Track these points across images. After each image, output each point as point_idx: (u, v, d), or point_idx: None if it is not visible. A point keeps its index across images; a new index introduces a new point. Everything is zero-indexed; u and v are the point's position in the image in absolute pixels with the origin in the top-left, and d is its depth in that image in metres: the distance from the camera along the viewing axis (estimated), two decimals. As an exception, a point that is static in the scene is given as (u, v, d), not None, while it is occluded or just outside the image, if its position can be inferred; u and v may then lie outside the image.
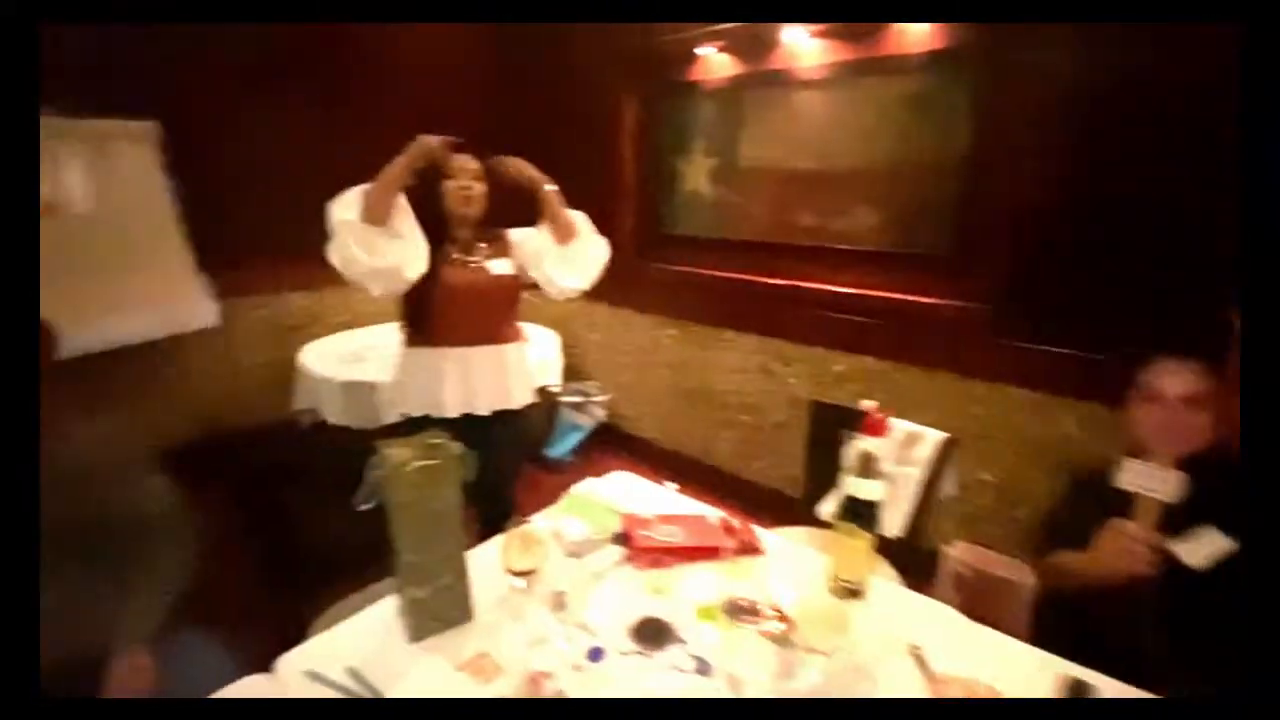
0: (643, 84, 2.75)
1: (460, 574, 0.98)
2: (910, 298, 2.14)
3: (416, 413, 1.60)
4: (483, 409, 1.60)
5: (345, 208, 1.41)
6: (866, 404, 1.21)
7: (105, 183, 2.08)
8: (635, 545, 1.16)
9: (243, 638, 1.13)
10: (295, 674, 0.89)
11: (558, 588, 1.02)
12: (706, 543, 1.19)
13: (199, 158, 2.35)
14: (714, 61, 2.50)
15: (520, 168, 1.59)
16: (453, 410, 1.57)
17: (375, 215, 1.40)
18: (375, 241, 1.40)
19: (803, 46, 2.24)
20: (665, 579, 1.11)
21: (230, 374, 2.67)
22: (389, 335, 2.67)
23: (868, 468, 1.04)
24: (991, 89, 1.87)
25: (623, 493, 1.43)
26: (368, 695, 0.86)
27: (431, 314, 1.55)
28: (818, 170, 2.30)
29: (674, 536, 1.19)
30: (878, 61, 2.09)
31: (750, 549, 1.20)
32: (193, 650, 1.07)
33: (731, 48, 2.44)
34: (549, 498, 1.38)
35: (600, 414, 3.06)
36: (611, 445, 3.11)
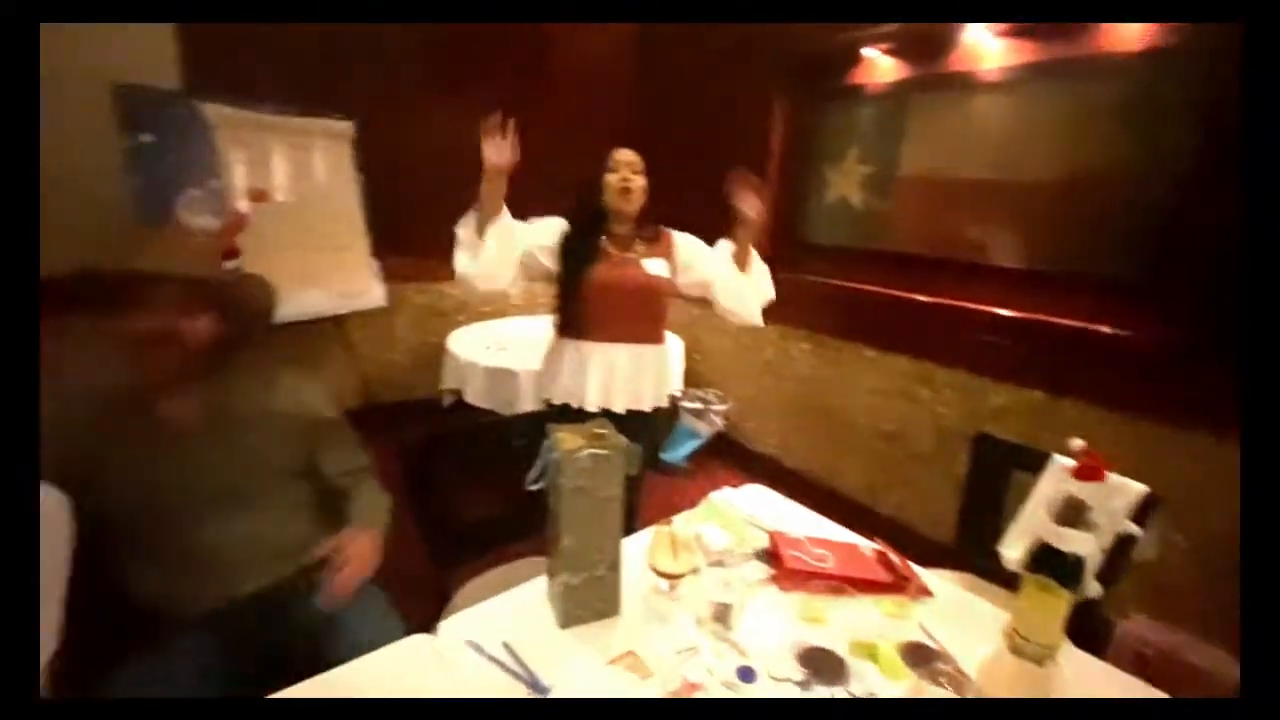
0: (796, 87, 2.67)
1: (614, 566, 0.97)
2: (1091, 326, 1.87)
3: (559, 401, 1.64)
4: (619, 407, 1.61)
5: (462, 223, 1.56)
6: (1077, 443, 1.05)
7: (306, 173, 2.36)
8: (784, 565, 1.10)
9: (400, 597, 1.22)
10: (455, 640, 0.93)
11: (706, 597, 0.98)
12: (862, 574, 1.10)
13: (382, 156, 2.62)
14: (879, 64, 2.37)
15: (749, 189, 1.58)
16: (593, 404, 1.60)
17: (479, 229, 1.53)
18: (476, 252, 1.52)
19: (985, 47, 2.06)
20: (817, 605, 1.04)
21: (390, 351, 2.94)
22: (531, 328, 2.82)
23: (1076, 517, 0.90)
24: (1214, 93, 1.59)
25: (763, 508, 1.37)
26: (523, 673, 0.87)
27: (582, 307, 1.58)
28: (991, 181, 2.09)
29: (826, 562, 1.11)
30: (1074, 63, 1.87)
31: (913, 588, 1.09)
32: (373, 598, 1.16)
33: (900, 49, 2.30)
34: (661, 500, 1.35)
35: (719, 423, 3.00)
36: (727, 456, 3.04)
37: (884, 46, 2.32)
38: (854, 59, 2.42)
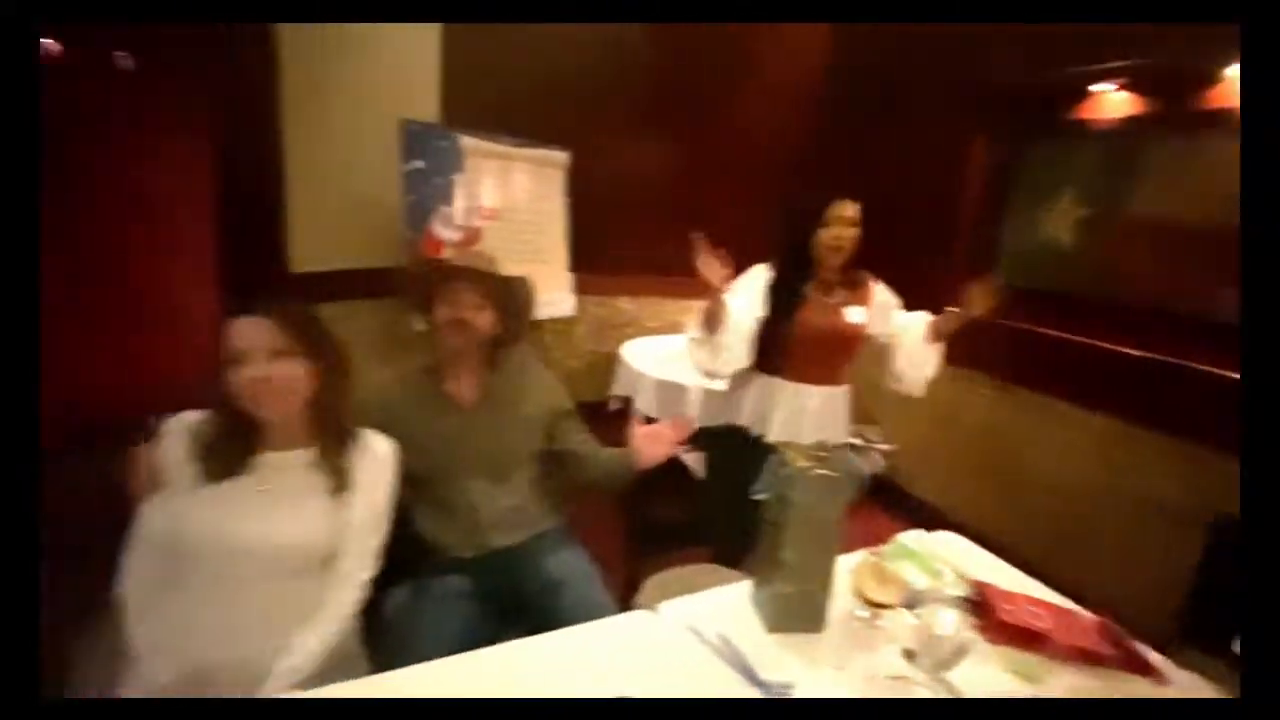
0: (1003, 123, 2.54)
1: (825, 584, 1.02)
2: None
3: (742, 424, 1.72)
4: (805, 441, 1.65)
5: (693, 330, 1.69)
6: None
7: (527, 195, 2.71)
8: (996, 618, 1.07)
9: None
10: (676, 623, 1.03)
11: (917, 633, 0.99)
12: (1084, 643, 1.04)
13: (584, 183, 2.90)
14: (1109, 100, 2.19)
15: (987, 290, 1.60)
16: (775, 435, 1.65)
17: (710, 330, 1.64)
18: (716, 352, 1.65)
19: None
20: (1030, 664, 1.00)
21: (570, 357, 3.23)
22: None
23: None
24: None
25: (960, 555, 1.34)
26: (741, 666, 0.95)
27: (782, 348, 1.64)
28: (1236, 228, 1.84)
29: (1043, 622, 1.07)
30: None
31: (1143, 668, 1.01)
32: (592, 573, 1.32)
33: (1136, 85, 2.11)
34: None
35: (879, 463, 2.90)
36: (883, 500, 2.92)
37: (1118, 82, 2.15)
38: (1079, 94, 2.27)
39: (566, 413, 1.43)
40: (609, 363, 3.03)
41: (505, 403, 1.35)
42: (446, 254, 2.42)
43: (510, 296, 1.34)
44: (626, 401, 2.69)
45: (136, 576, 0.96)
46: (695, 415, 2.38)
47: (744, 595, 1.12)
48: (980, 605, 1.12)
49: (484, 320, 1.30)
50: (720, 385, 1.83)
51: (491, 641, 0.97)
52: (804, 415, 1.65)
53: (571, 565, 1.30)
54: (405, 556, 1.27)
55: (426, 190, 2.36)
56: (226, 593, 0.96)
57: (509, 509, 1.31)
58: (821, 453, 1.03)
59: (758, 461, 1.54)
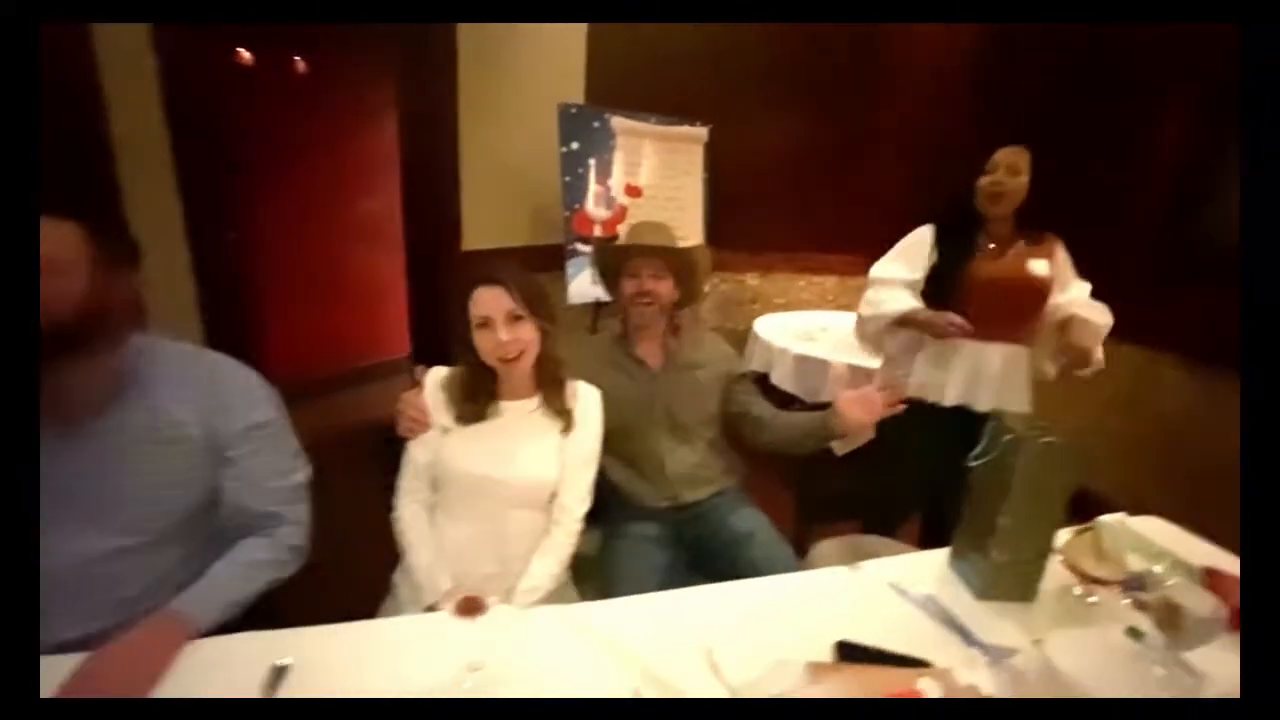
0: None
1: (1041, 556, 1.01)
2: None
3: (911, 395, 1.67)
4: (983, 406, 1.59)
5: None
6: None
7: (668, 172, 2.77)
8: (1232, 602, 1.00)
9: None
10: (878, 580, 1.06)
11: (1157, 612, 0.95)
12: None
13: (723, 158, 2.92)
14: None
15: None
16: (953, 400, 1.61)
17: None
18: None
19: None
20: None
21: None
22: (838, 320, 2.91)
23: None
24: None
25: (1171, 541, 1.25)
26: (949, 623, 0.96)
27: (957, 302, 1.56)
28: None
29: None
30: None
31: None
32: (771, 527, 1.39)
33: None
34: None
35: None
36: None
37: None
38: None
39: (740, 377, 1.48)
40: (735, 339, 3.05)
41: (687, 366, 1.43)
42: (597, 231, 2.55)
43: (687, 265, 1.41)
44: (762, 377, 2.71)
45: (410, 500, 1.15)
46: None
47: (939, 561, 1.13)
48: (1213, 588, 1.05)
49: (665, 289, 1.38)
50: (876, 363, 1.81)
51: (684, 585, 1.04)
52: (982, 379, 1.58)
53: (756, 520, 1.37)
54: (600, 503, 1.39)
55: (580, 170, 2.49)
56: (482, 518, 1.14)
57: (693, 465, 1.39)
58: (1042, 424, 1.00)
59: (932, 431, 1.52)
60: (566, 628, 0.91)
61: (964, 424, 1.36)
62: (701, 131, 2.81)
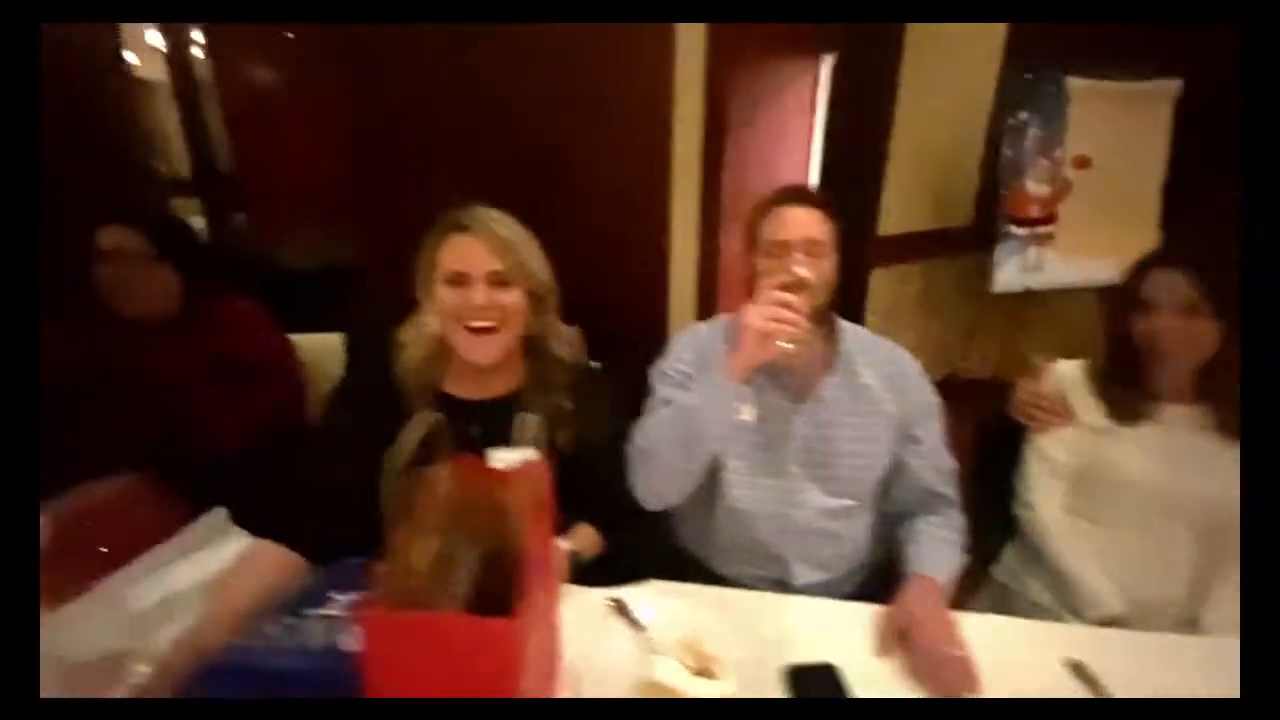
0: None
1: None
2: None
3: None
4: None
5: None
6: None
7: (1122, 139, 2.27)
8: None
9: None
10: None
11: None
12: None
13: (1201, 113, 2.21)
14: None
15: None
16: None
17: None
18: None
19: None
20: None
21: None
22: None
23: None
24: None
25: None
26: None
27: None
28: None
29: None
30: None
31: None
32: None
33: None
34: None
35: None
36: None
37: None
38: None
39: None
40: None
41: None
42: (1034, 211, 2.25)
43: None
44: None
45: (1051, 502, 1.07)
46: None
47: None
48: None
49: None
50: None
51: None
52: None
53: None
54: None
55: (1024, 143, 2.18)
56: (1151, 533, 1.01)
57: None
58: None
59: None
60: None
61: None
62: (1171, 85, 2.24)
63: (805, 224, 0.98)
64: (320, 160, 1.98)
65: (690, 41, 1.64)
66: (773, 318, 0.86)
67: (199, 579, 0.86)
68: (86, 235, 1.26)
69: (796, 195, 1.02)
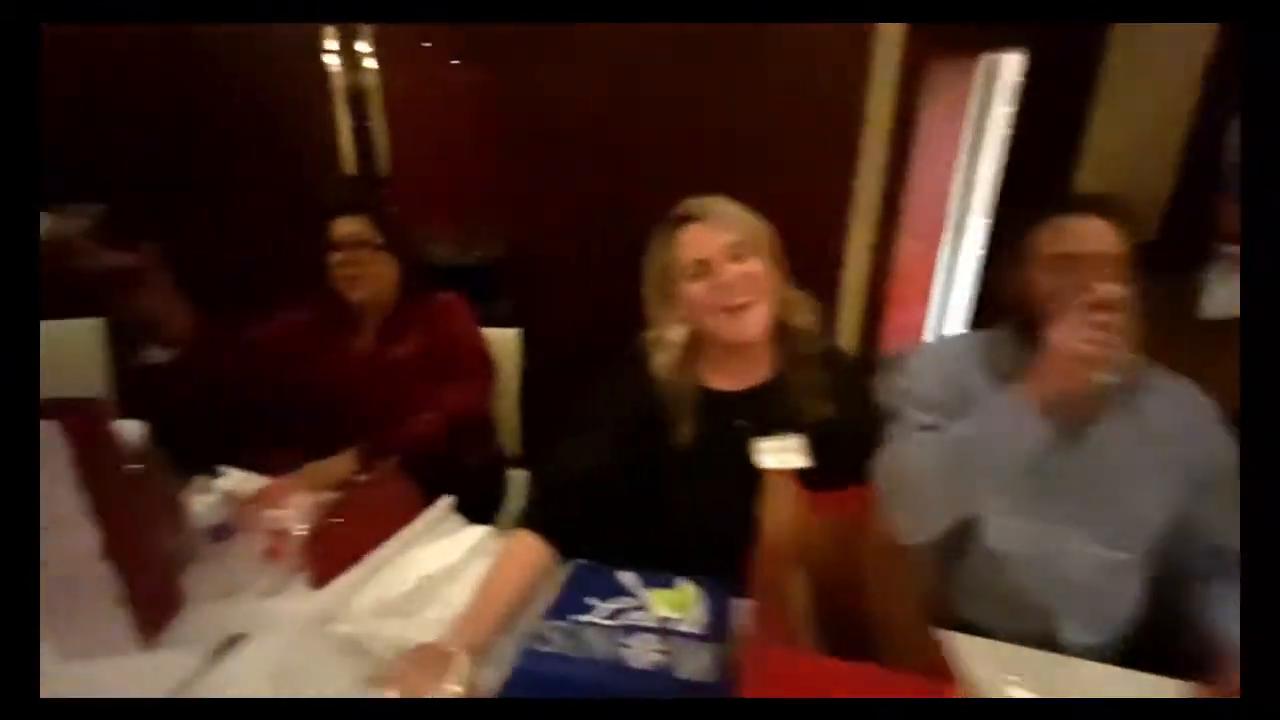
0: None
1: None
2: None
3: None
4: None
5: None
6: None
7: None
8: None
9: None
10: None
11: None
12: None
13: None
14: None
15: None
16: None
17: None
18: None
19: None
20: None
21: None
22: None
23: None
24: None
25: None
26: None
27: None
28: None
29: None
30: None
31: None
32: None
33: None
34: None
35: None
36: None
37: None
38: None
39: None
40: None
41: None
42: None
43: None
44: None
45: None
46: None
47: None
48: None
49: None
50: None
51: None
52: None
53: None
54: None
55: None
56: None
57: None
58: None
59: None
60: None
61: None
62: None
63: (1096, 237, 0.87)
64: (473, 161, 2.10)
65: (889, 39, 1.63)
66: (1091, 340, 0.74)
67: (446, 565, 0.90)
68: (318, 229, 1.36)
69: (1084, 203, 0.91)
